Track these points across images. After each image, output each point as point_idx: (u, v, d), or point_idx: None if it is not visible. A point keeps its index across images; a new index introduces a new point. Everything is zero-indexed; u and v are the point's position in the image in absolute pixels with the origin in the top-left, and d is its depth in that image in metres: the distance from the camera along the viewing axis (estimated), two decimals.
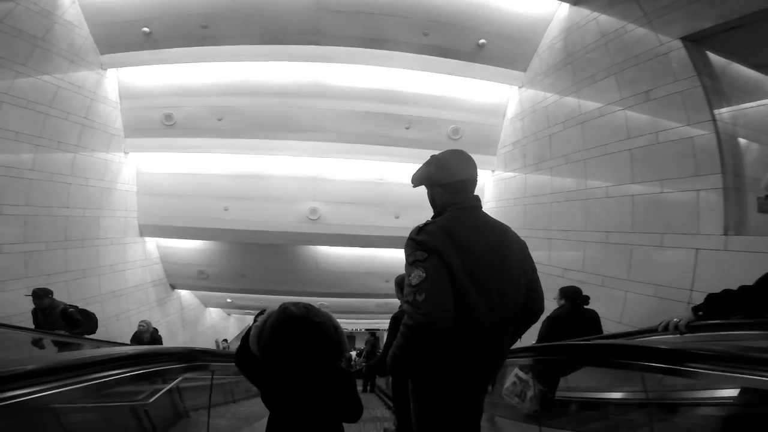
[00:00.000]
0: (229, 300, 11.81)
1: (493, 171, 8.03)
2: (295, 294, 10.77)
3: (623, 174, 4.53)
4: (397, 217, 8.48)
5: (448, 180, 1.52)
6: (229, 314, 14.61)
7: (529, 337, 2.33)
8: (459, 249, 1.35)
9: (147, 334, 6.15)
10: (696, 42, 3.83)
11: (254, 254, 9.66)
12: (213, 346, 12.48)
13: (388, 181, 8.47)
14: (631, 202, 4.41)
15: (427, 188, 1.62)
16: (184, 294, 10.77)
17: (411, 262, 1.36)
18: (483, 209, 1.56)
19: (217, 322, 13.30)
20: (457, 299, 1.33)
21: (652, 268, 4.09)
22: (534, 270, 1.59)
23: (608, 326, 4.10)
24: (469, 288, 1.34)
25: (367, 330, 24.29)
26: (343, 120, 7.78)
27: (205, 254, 9.67)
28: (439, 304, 1.29)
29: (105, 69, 7.11)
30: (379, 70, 7.51)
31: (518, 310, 1.51)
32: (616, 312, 4.37)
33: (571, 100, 5.46)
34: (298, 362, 1.20)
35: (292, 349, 1.18)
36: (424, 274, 1.30)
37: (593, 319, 3.72)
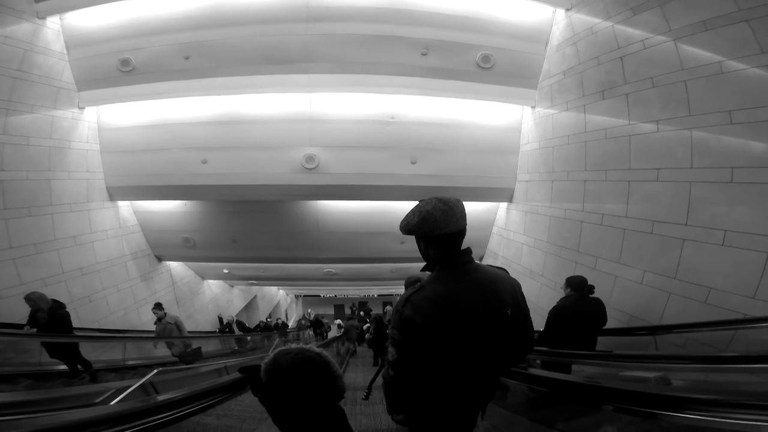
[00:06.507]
0: (226, 271, 10.67)
1: (533, 107, 6.42)
2: (296, 261, 9.59)
3: (760, 95, 3.05)
4: (414, 162, 6.99)
5: (430, 234, 1.46)
6: (232, 286, 13.57)
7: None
8: (446, 314, 1.40)
9: (42, 313, 4.54)
10: None
11: (244, 215, 8.33)
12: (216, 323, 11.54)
13: (402, 119, 6.89)
14: None
15: (415, 238, 1.55)
16: (175, 266, 9.62)
17: (390, 333, 1.50)
18: (474, 262, 1.53)
19: (218, 296, 12.26)
20: (442, 360, 1.42)
21: None
22: (526, 314, 1.59)
23: (736, 303, 3.10)
24: (455, 349, 1.41)
25: (379, 296, 23.66)
26: (343, 46, 6.16)
27: (188, 217, 8.37)
28: (403, 378, 1.50)
29: (43, 18, 5.92)
30: None
31: (510, 354, 1.58)
32: (750, 284, 3.01)
33: (653, 16, 4.03)
34: (290, 403, 1.33)
35: (282, 393, 1.32)
36: (396, 356, 1.46)
37: (598, 308, 3.77)
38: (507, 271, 1.62)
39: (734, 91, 3.27)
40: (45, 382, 4.42)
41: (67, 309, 5.99)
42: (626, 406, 1.73)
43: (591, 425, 2.18)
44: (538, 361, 3.76)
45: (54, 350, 4.69)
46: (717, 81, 3.40)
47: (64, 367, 4.79)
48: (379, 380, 4.89)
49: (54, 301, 4.72)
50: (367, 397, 4.71)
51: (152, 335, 6.32)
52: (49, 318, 4.55)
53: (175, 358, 6.07)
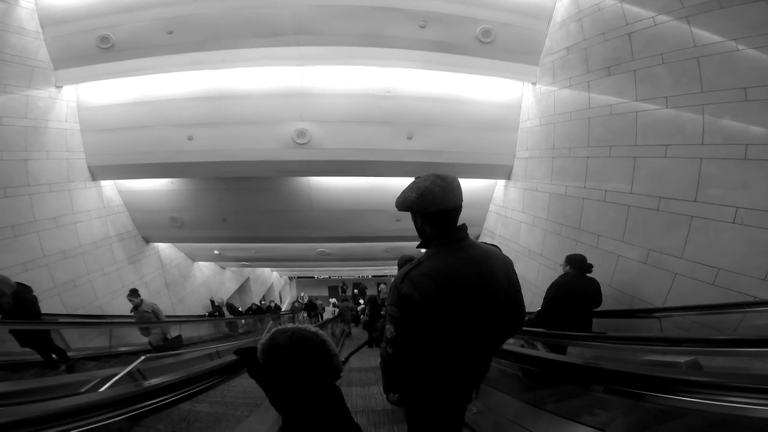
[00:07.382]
0: (216, 252, 10.45)
1: (534, 84, 6.21)
2: (289, 240, 9.39)
3: None
4: (410, 138, 6.75)
5: (428, 210, 1.47)
6: (223, 268, 13.36)
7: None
8: (444, 290, 1.40)
9: (6, 298, 4.07)
10: None
11: (234, 193, 8.07)
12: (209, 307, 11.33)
13: (398, 94, 6.61)
14: None
15: (411, 215, 1.56)
16: (164, 248, 9.38)
17: (388, 310, 1.48)
18: (469, 239, 1.54)
19: (209, 278, 12.06)
20: (440, 336, 1.42)
21: None
22: (518, 291, 1.61)
23: (747, 284, 3.00)
24: (452, 324, 1.42)
25: (373, 277, 23.66)
26: (337, 18, 5.83)
27: (175, 196, 8.08)
28: (402, 355, 1.47)
29: None
30: None
31: (504, 330, 1.61)
32: (761, 265, 2.90)
33: None
34: (287, 382, 1.32)
35: (279, 372, 1.31)
36: (395, 333, 1.45)
37: (594, 289, 3.80)
38: (500, 249, 1.64)
39: (751, 68, 3.10)
40: (15, 373, 4.09)
41: (52, 294, 5.78)
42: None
43: (581, 407, 2.12)
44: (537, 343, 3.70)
45: (23, 338, 4.30)
46: (732, 58, 3.23)
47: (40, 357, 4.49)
48: (373, 360, 4.78)
49: (19, 284, 4.29)
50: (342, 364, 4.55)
51: (132, 322, 5.94)
52: (14, 303, 4.10)
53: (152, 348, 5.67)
